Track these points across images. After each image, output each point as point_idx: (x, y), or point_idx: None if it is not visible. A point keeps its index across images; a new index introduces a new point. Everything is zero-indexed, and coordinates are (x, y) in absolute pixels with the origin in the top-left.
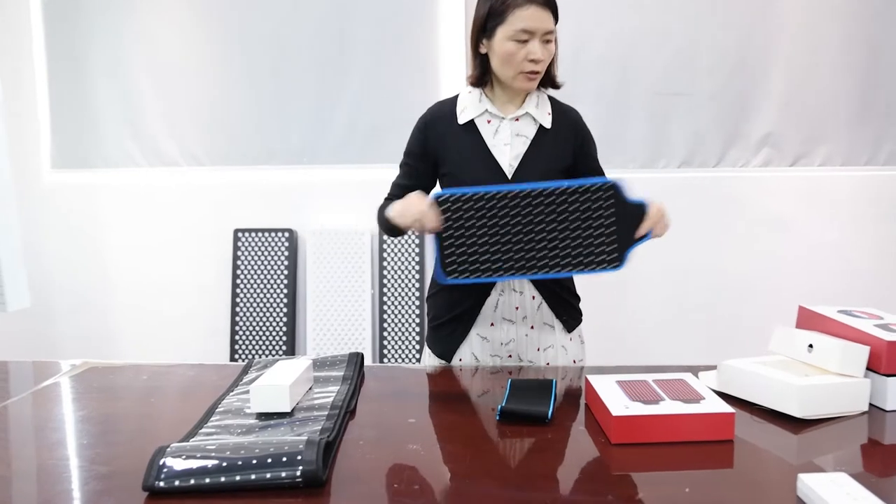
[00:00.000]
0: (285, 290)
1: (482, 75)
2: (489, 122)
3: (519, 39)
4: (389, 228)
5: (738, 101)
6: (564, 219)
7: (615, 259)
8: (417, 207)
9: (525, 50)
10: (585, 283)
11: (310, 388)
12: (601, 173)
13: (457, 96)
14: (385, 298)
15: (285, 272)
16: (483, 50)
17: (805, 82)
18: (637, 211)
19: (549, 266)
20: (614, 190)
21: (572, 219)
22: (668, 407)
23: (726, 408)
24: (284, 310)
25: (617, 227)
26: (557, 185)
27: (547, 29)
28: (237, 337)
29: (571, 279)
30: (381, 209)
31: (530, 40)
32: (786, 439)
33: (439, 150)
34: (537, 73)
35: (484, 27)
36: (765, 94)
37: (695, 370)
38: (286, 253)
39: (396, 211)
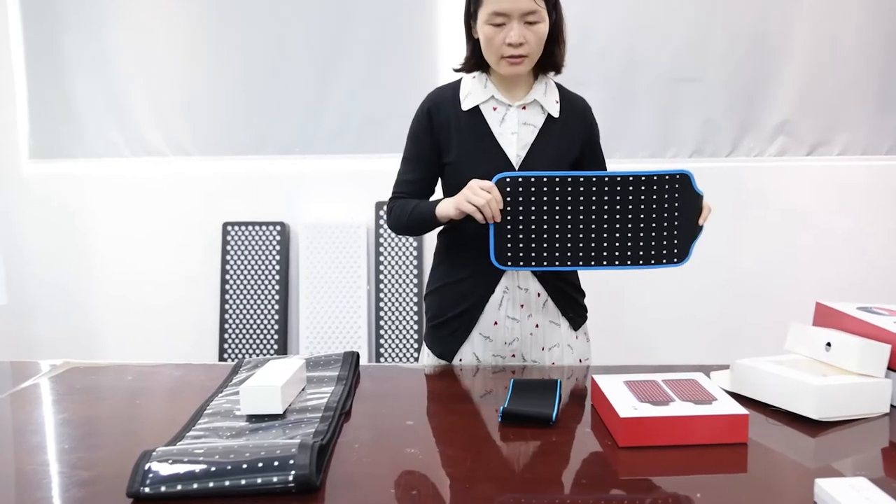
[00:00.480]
0: (277, 287)
1: (479, 61)
2: (495, 109)
3: (494, 23)
4: (425, 224)
5: (752, 87)
6: (629, 209)
7: (679, 253)
8: (485, 189)
9: (503, 34)
10: (590, 279)
11: (302, 389)
12: (604, 165)
13: (459, 81)
14: (381, 295)
15: (277, 267)
16: (475, 35)
17: (823, 67)
18: (698, 202)
19: (610, 258)
20: (686, 180)
21: (637, 210)
22: (679, 408)
23: (740, 409)
24: (276, 307)
25: (680, 219)
26: (626, 173)
27: (524, 10)
28: (226, 336)
29: (575, 274)
30: (406, 209)
31: (507, 23)
32: (802, 442)
33: (443, 138)
34: (520, 56)
35: (470, 10)
36: (780, 80)
37: (706, 370)
38: (278, 247)
39: (455, 201)
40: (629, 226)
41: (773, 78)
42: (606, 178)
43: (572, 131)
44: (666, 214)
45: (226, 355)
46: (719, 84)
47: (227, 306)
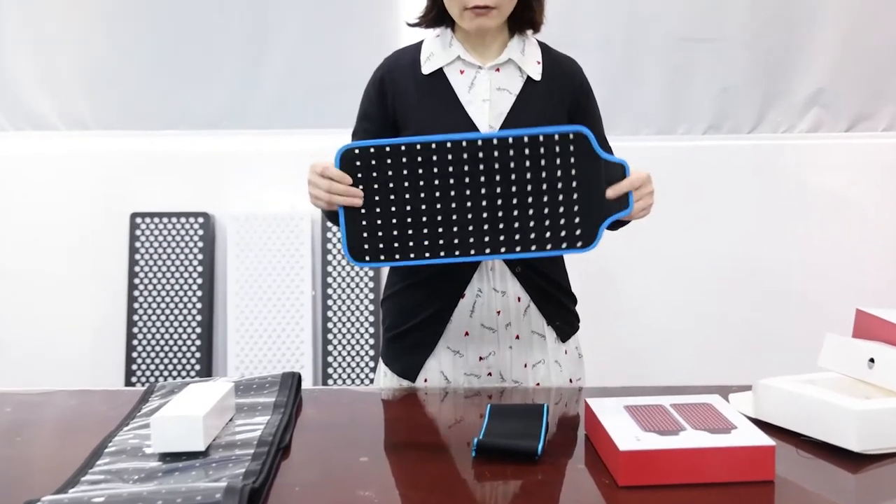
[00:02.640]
0: (199, 293)
1: (440, 14)
2: (462, 72)
3: None
4: (331, 217)
5: (780, 50)
6: (511, 181)
7: (583, 236)
8: (323, 174)
9: None
10: (582, 281)
11: (230, 420)
12: (607, 145)
13: (420, 43)
14: (330, 302)
15: (199, 269)
16: None
17: (866, 24)
18: (614, 173)
19: (494, 244)
20: (583, 141)
21: (522, 181)
22: (691, 439)
23: (765, 440)
24: (197, 318)
25: (584, 193)
26: (504, 134)
27: None
28: (135, 354)
29: (564, 273)
30: None
31: None
32: (841, 480)
33: (400, 109)
34: (486, 8)
35: None
36: (814, 40)
37: (724, 391)
38: (200, 244)
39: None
40: (514, 202)
41: (805, 38)
42: (479, 143)
43: (558, 97)
44: (561, 186)
45: (134, 378)
46: (740, 45)
47: (135, 317)
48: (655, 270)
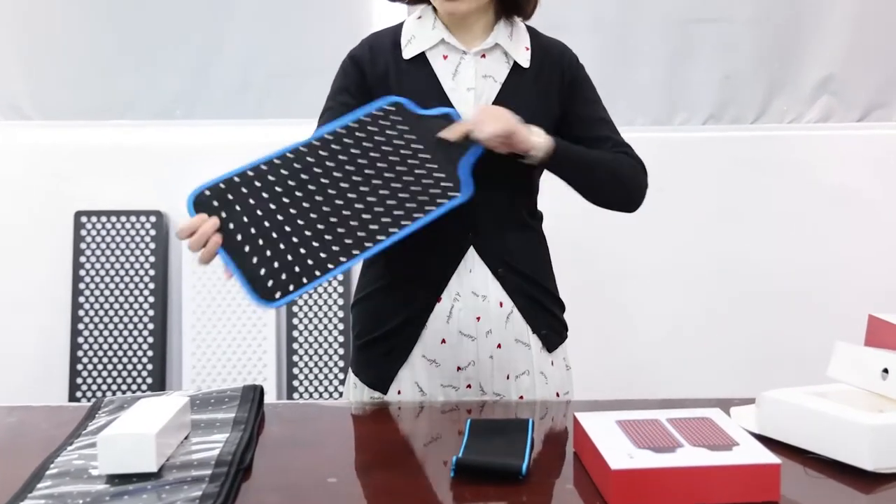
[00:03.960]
0: (151, 299)
1: None
2: (446, 57)
3: None
4: None
5: (787, 33)
6: (363, 167)
7: (453, 188)
8: (184, 229)
9: None
10: (571, 286)
11: (186, 438)
12: (610, 128)
13: (400, 25)
14: (295, 308)
15: (151, 272)
16: None
17: (879, 8)
18: (442, 124)
19: (382, 229)
20: (401, 108)
21: (375, 161)
22: (689, 457)
23: (769, 457)
24: (150, 326)
25: (431, 150)
26: (330, 129)
27: None
28: (80, 367)
29: (551, 276)
30: None
31: None
32: (853, 501)
33: (378, 94)
34: None
35: None
36: (824, 23)
37: (724, 405)
38: (152, 245)
39: None
40: (376, 183)
41: (814, 19)
42: (316, 143)
43: (548, 85)
44: (410, 153)
45: (79, 393)
46: (744, 27)
47: (80, 326)
48: (651, 274)
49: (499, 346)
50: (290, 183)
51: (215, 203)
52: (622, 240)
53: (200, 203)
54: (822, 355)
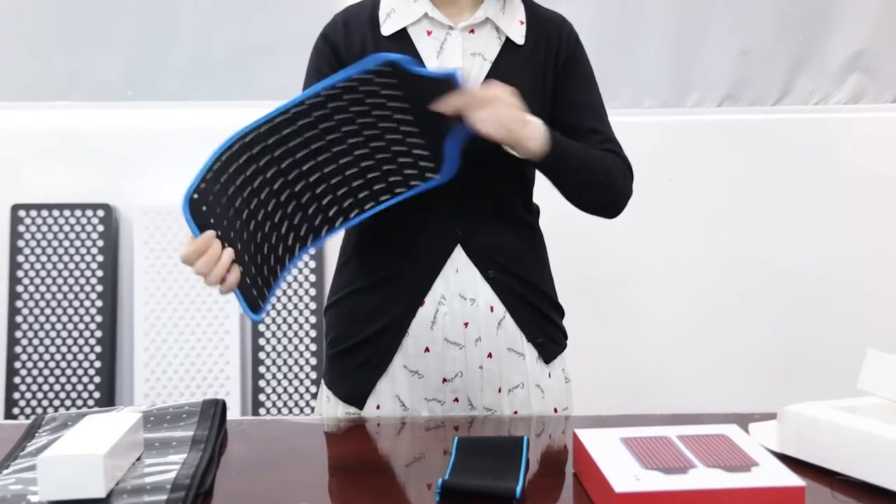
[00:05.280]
0: (98, 303)
1: None
2: (430, 32)
3: None
4: None
5: (814, 1)
6: (345, 135)
7: (435, 167)
8: (186, 256)
9: None
10: (571, 289)
11: (138, 459)
12: (600, 119)
13: None
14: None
15: (99, 273)
16: None
17: None
18: (442, 87)
19: (354, 205)
20: (394, 67)
21: (355, 131)
22: (703, 478)
23: (793, 479)
24: (97, 333)
25: (416, 122)
26: (313, 91)
27: None
28: (17, 379)
29: (548, 278)
30: None
31: None
32: None
33: None
34: None
35: None
36: None
37: (742, 420)
38: (100, 242)
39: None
40: (351, 156)
41: None
42: (306, 105)
43: (542, 64)
44: (394, 122)
45: (16, 409)
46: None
47: (18, 333)
48: (659, 274)
49: (489, 355)
50: (262, 162)
51: (204, 208)
52: (628, 237)
53: (196, 213)
54: (852, 365)
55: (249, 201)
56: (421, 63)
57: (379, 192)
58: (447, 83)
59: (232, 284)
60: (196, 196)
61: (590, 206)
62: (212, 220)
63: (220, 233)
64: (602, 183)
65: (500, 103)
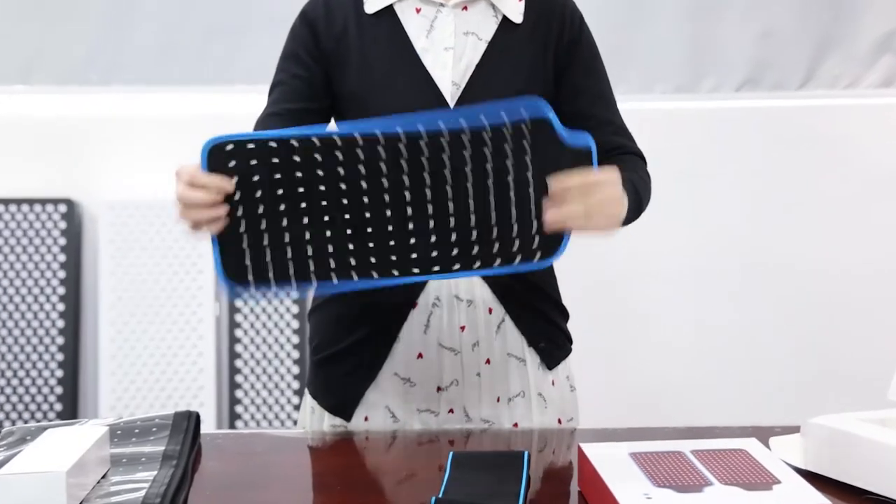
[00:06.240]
0: (60, 306)
1: None
2: (419, 10)
3: None
4: None
5: None
6: (448, 180)
7: (545, 244)
8: (188, 182)
9: None
10: (576, 290)
11: (104, 476)
12: (612, 109)
13: None
14: (239, 318)
15: (60, 274)
16: None
17: None
18: (577, 159)
19: (423, 263)
20: (542, 126)
21: (463, 178)
22: (719, 497)
23: (817, 498)
24: (58, 340)
25: (542, 190)
26: (437, 128)
27: None
28: None
29: (551, 278)
30: None
31: None
32: None
33: (335, 57)
34: None
35: None
36: None
37: (763, 434)
38: (62, 240)
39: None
40: (450, 208)
41: None
42: (395, 136)
43: (542, 46)
44: (511, 182)
45: None
46: None
47: None
48: (672, 274)
49: (487, 361)
50: (339, 169)
51: (232, 162)
52: (638, 234)
53: (216, 156)
54: (883, 373)
55: (307, 202)
56: (404, 53)
57: (457, 258)
58: (585, 155)
59: (212, 229)
60: (230, 147)
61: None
62: (236, 178)
63: (238, 196)
64: (644, 204)
65: (600, 202)
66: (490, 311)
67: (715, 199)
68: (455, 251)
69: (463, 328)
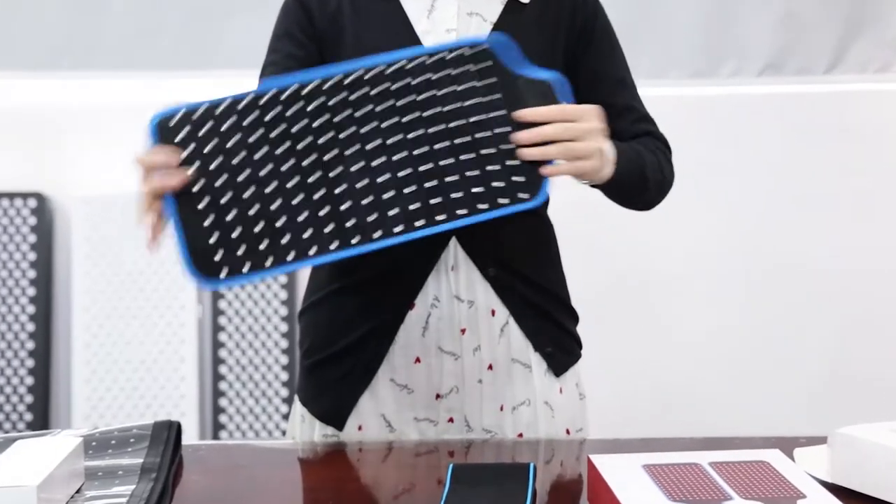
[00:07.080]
0: (30, 308)
1: None
2: None
3: None
4: None
5: None
6: (410, 124)
7: (523, 186)
8: (144, 162)
9: None
10: (586, 291)
11: (78, 491)
12: (633, 94)
13: None
14: (223, 321)
15: (31, 274)
16: None
17: None
18: (538, 94)
19: (406, 218)
20: (492, 57)
21: (425, 122)
22: None
23: None
24: (28, 345)
25: (509, 127)
26: (383, 61)
27: None
28: None
29: (560, 278)
30: None
31: None
32: None
33: (330, 39)
34: None
35: None
36: None
37: (787, 445)
38: (32, 237)
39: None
40: (418, 153)
41: None
42: (349, 78)
43: (554, 27)
44: (479, 125)
45: None
46: None
47: None
48: (687, 274)
49: (490, 367)
50: (298, 127)
51: (181, 135)
52: (653, 230)
53: (164, 128)
54: None
55: (266, 167)
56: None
57: (453, 204)
58: (547, 88)
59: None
60: (179, 118)
61: (638, 208)
62: (185, 154)
63: (194, 168)
64: (658, 185)
65: (591, 132)
66: (493, 312)
67: (734, 192)
68: (435, 200)
69: (464, 331)
